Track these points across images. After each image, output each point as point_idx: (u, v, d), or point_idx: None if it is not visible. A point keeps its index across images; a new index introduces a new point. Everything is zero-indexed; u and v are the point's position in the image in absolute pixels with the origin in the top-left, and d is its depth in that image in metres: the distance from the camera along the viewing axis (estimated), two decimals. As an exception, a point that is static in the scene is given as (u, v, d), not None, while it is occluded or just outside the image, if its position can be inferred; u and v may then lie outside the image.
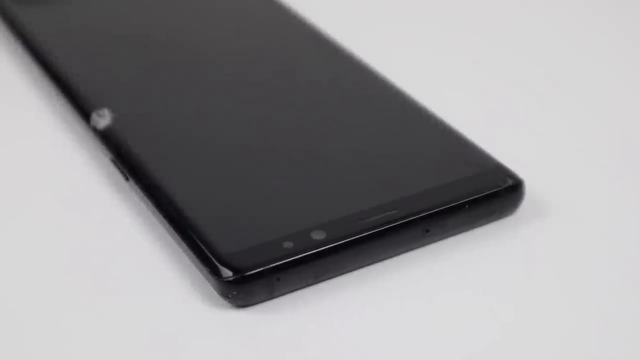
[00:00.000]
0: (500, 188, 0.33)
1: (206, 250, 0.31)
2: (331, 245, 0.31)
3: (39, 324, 0.30)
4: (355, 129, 0.36)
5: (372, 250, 0.31)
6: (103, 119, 0.36)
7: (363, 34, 0.44)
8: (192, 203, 0.32)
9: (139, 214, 0.34)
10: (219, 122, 0.36)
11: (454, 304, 0.31)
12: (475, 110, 0.39)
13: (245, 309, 0.30)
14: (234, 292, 0.30)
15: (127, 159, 0.34)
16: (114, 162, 0.35)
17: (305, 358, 0.29)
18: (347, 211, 0.32)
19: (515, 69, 0.42)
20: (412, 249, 0.32)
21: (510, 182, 0.33)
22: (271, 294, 0.30)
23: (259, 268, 0.30)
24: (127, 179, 0.34)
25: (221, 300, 0.30)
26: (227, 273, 0.30)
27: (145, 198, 0.33)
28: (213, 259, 0.30)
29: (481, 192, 0.33)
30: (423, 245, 0.32)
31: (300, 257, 0.30)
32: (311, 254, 0.30)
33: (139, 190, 0.34)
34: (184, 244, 0.31)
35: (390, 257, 0.32)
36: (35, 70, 0.41)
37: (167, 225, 0.32)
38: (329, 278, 0.31)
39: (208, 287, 0.31)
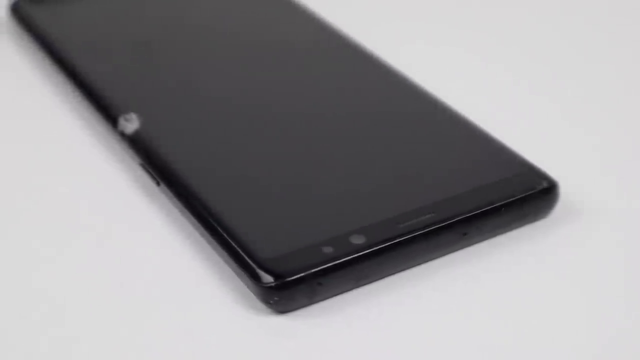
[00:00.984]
0: (535, 190, 0.33)
1: (246, 256, 0.30)
2: (371, 250, 0.31)
3: (83, 335, 0.30)
4: (391, 134, 0.36)
5: (411, 254, 0.31)
6: (131, 123, 0.36)
7: (392, 37, 0.44)
8: (229, 208, 0.32)
9: (172, 220, 0.34)
10: (252, 124, 0.36)
11: (495, 307, 0.31)
12: (504, 112, 0.39)
13: (285, 314, 0.30)
14: (276, 298, 0.30)
15: (158, 163, 0.34)
16: (143, 166, 0.35)
17: (349, 363, 0.29)
18: (384, 215, 0.32)
19: (543, 70, 0.42)
20: (449, 252, 0.32)
21: (545, 184, 0.33)
22: (312, 299, 0.30)
23: (300, 273, 0.30)
24: (158, 183, 0.34)
25: (261, 305, 0.30)
26: (268, 279, 0.30)
27: (179, 203, 0.33)
28: (254, 265, 0.30)
29: (517, 195, 0.32)
30: (460, 248, 0.32)
31: (341, 262, 0.30)
32: (352, 258, 0.30)
33: (171, 195, 0.33)
34: (221, 250, 0.31)
35: (428, 260, 0.32)
36: (57, 77, 0.40)
37: (204, 231, 0.32)
38: (369, 282, 0.31)
39: (246, 292, 0.31)
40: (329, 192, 0.33)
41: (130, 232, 0.33)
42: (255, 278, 0.30)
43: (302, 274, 0.30)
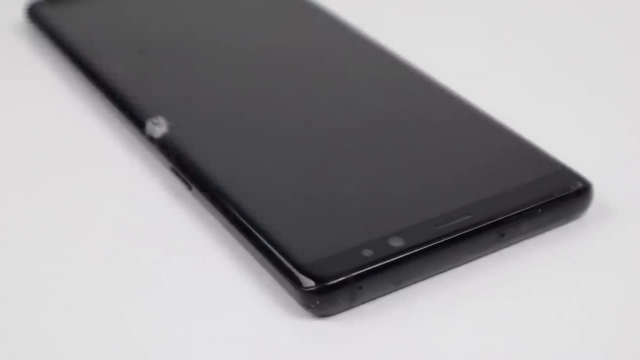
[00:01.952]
0: (571, 191, 0.33)
1: (286, 261, 0.30)
2: (411, 252, 0.30)
3: (119, 345, 0.30)
4: (425, 136, 0.36)
5: (450, 256, 0.31)
6: (159, 127, 0.36)
7: (417, 38, 0.44)
8: (267, 212, 0.32)
9: (205, 224, 0.33)
10: (286, 126, 0.36)
11: (536, 308, 0.31)
12: (534, 113, 0.39)
13: (326, 318, 0.30)
14: (317, 302, 0.30)
15: (190, 167, 0.34)
16: (174, 171, 0.34)
17: (392, 366, 0.29)
18: (422, 217, 0.31)
19: (573, 70, 0.42)
20: (485, 254, 0.32)
21: (580, 184, 0.33)
22: (352, 303, 0.30)
23: (341, 277, 0.30)
24: (190, 188, 0.34)
25: (300, 310, 0.30)
26: (309, 283, 0.30)
27: (214, 208, 0.33)
28: (294, 269, 0.30)
29: (553, 196, 0.32)
30: (495, 250, 0.32)
31: (381, 265, 0.30)
32: (392, 261, 0.30)
33: (205, 200, 0.33)
34: (259, 255, 0.31)
35: (465, 262, 0.32)
36: (78, 80, 0.40)
37: (240, 235, 0.32)
38: (407, 285, 0.31)
39: (282, 296, 0.31)
40: (366, 194, 0.33)
41: (164, 237, 0.33)
42: (296, 282, 0.30)
43: (344, 278, 0.30)
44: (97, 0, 0.44)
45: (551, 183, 0.33)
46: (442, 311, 0.30)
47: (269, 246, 0.31)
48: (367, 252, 0.30)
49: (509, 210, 0.32)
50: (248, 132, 0.36)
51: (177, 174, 0.34)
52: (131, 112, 0.37)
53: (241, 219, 0.32)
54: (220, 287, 0.31)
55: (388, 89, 0.38)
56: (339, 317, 0.30)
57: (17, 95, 0.41)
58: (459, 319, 0.30)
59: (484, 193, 0.32)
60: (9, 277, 0.32)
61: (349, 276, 0.30)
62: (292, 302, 0.30)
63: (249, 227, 0.31)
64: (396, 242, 0.31)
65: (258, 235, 0.31)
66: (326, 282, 0.29)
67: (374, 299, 0.31)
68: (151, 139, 0.36)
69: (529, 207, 0.32)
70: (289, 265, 0.30)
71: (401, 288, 0.31)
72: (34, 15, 0.43)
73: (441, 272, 0.32)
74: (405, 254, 0.30)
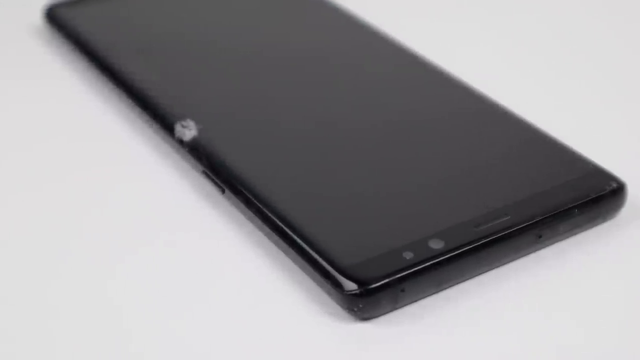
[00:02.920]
0: (606, 191, 0.33)
1: (327, 264, 0.30)
2: (452, 254, 0.30)
3: (157, 349, 0.29)
4: (462, 139, 0.35)
5: (490, 257, 0.31)
6: (189, 130, 0.35)
7: (447, 41, 0.44)
8: (306, 215, 0.32)
9: (240, 228, 0.33)
10: (321, 129, 0.36)
11: (574, 308, 0.31)
12: (566, 114, 0.39)
13: (369, 321, 0.30)
14: (360, 305, 0.29)
15: (222, 170, 0.34)
16: (206, 174, 0.34)
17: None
18: (460, 219, 0.31)
19: (603, 72, 0.42)
20: (522, 255, 0.32)
21: (614, 184, 0.33)
22: (394, 305, 0.30)
23: (384, 280, 0.30)
24: (223, 191, 0.34)
25: (342, 313, 0.30)
26: (351, 286, 0.29)
27: (249, 212, 0.33)
28: (336, 272, 0.30)
29: (588, 196, 0.32)
30: (532, 251, 0.32)
31: (423, 267, 0.30)
32: (433, 263, 0.30)
33: (240, 203, 0.33)
34: (299, 258, 0.31)
35: (503, 264, 0.32)
36: (102, 82, 0.40)
37: (279, 239, 0.31)
38: (448, 287, 0.31)
39: (322, 299, 0.31)
40: (404, 196, 0.33)
41: (200, 240, 0.33)
42: (338, 286, 0.30)
43: (386, 280, 0.30)
44: (116, 1, 0.44)
45: (586, 183, 0.33)
46: (484, 312, 0.30)
47: (309, 249, 0.31)
48: (408, 255, 0.30)
49: (546, 211, 0.32)
50: (280, 134, 0.36)
51: (209, 177, 0.34)
52: (157, 114, 0.37)
53: (279, 222, 0.31)
54: (259, 290, 0.31)
55: (423, 91, 0.38)
56: (380, 319, 0.30)
57: (38, 97, 0.40)
58: (502, 320, 0.30)
59: (521, 194, 0.32)
60: (38, 275, 0.32)
61: (392, 278, 0.30)
62: (331, 304, 0.30)
63: (288, 230, 0.31)
64: (436, 244, 0.31)
65: (298, 239, 0.31)
66: (370, 285, 0.29)
67: (415, 301, 0.31)
68: (181, 142, 0.35)
69: (565, 208, 0.32)
70: (331, 269, 0.30)
71: (441, 290, 0.31)
72: (53, 17, 0.43)
73: (480, 274, 0.32)
74: (447, 256, 0.30)
